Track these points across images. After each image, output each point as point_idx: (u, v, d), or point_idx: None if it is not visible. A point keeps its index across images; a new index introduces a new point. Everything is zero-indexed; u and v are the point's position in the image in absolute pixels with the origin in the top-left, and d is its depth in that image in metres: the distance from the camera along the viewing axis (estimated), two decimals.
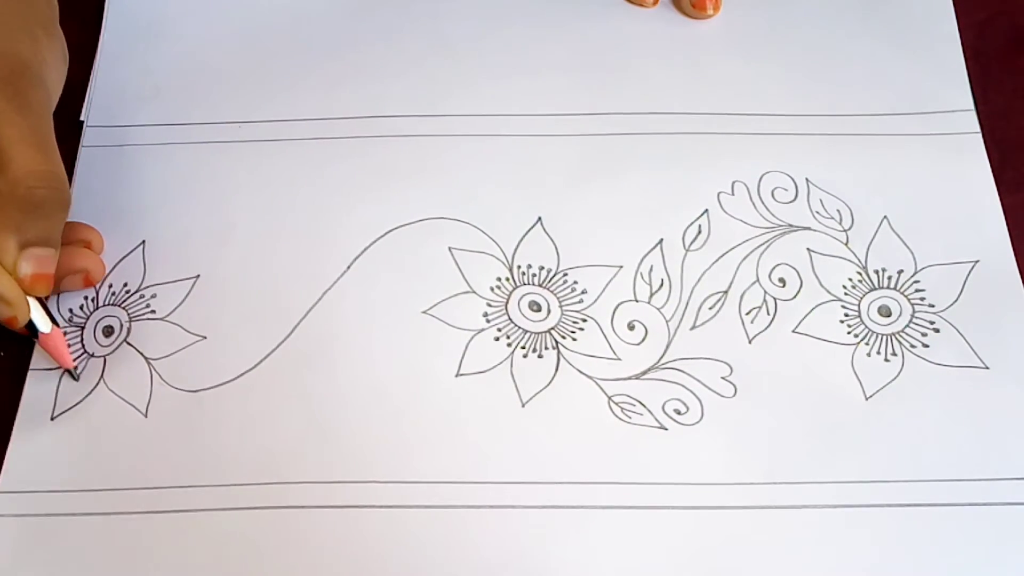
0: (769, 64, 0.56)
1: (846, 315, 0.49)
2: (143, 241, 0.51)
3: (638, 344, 0.48)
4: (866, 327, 0.49)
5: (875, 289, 0.50)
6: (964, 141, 0.53)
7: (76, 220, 0.49)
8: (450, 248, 0.51)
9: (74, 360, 0.48)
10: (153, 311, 0.49)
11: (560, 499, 0.45)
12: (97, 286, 0.50)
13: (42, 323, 0.46)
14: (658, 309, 0.49)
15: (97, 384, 0.47)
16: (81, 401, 0.47)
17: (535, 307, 0.49)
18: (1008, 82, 0.55)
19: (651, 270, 0.50)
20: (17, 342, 0.48)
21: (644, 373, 0.48)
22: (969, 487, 0.45)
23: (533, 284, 0.50)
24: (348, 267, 0.50)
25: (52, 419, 0.47)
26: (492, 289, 0.50)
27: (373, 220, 0.51)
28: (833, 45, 0.57)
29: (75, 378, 0.47)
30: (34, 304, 0.46)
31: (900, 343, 0.48)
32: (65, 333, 0.48)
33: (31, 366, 0.48)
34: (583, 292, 0.50)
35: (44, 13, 0.51)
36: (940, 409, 0.47)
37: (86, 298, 0.48)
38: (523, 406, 0.47)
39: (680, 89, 0.55)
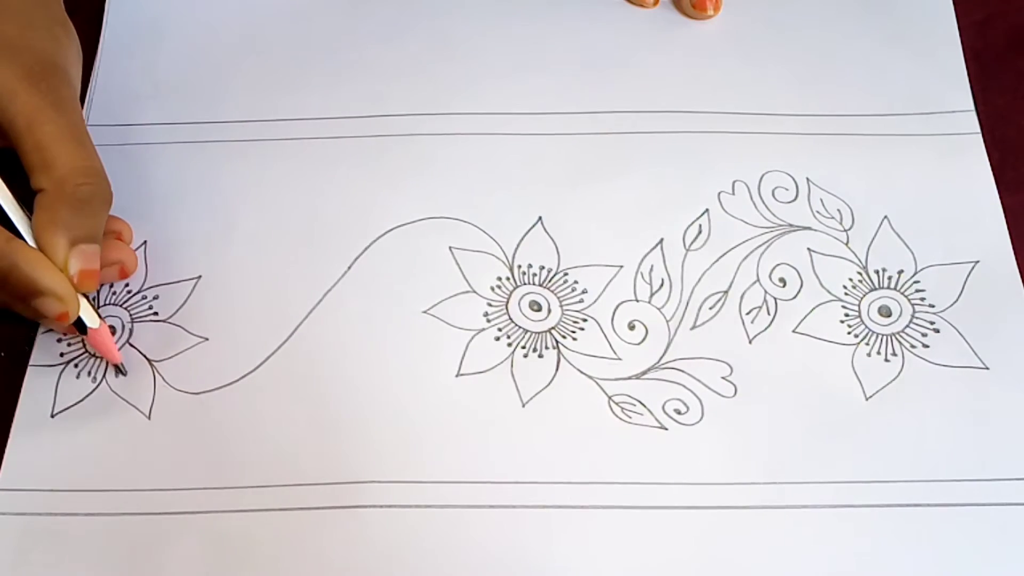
0: (769, 64, 0.56)
1: (846, 315, 0.49)
2: (144, 242, 0.51)
3: (638, 344, 0.48)
4: (866, 327, 0.49)
5: (875, 289, 0.50)
6: (964, 141, 0.53)
7: None
8: (450, 248, 0.51)
9: (74, 359, 0.48)
10: (155, 312, 0.49)
11: (560, 499, 0.45)
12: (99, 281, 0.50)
13: (90, 319, 0.46)
14: (658, 309, 0.49)
15: (99, 384, 0.47)
16: (82, 400, 0.47)
17: (535, 307, 0.49)
18: (1008, 82, 0.56)
19: (651, 270, 0.50)
20: (17, 338, 0.48)
21: (644, 373, 0.48)
22: (969, 487, 0.45)
23: (533, 284, 0.50)
24: (349, 267, 0.50)
25: (52, 416, 0.47)
26: (492, 289, 0.50)
27: (373, 220, 0.51)
28: (833, 45, 0.57)
29: (123, 372, 0.47)
30: (81, 300, 0.46)
31: (900, 343, 0.48)
32: (65, 333, 0.48)
33: (31, 362, 0.48)
34: (583, 292, 0.50)
35: (58, 12, 0.51)
36: (940, 409, 0.47)
37: (85, 296, 0.48)
38: (523, 406, 0.47)
39: (680, 89, 0.55)
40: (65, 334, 0.48)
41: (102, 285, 0.49)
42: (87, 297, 0.46)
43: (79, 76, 0.50)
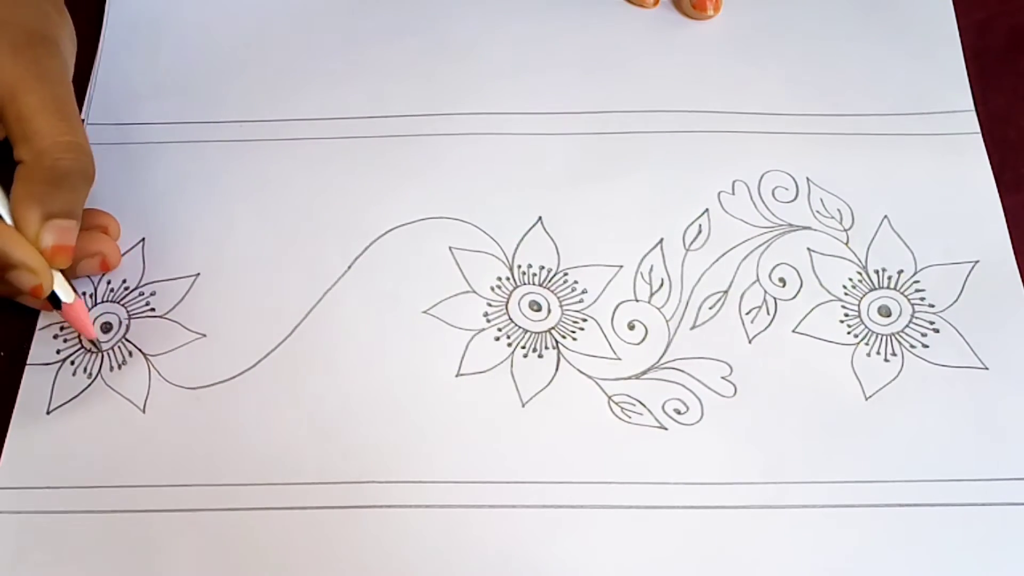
0: (769, 64, 0.56)
1: (846, 315, 0.49)
2: (143, 239, 0.51)
3: (638, 344, 0.48)
4: (866, 327, 0.49)
5: (875, 289, 0.50)
6: (964, 141, 0.53)
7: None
8: (450, 248, 0.51)
9: (71, 356, 0.48)
10: (153, 309, 0.49)
11: (560, 499, 0.45)
12: (105, 273, 0.50)
13: (64, 294, 0.46)
14: (658, 309, 0.49)
15: (94, 379, 0.47)
16: (77, 396, 0.47)
17: (535, 307, 0.49)
18: (1008, 82, 0.56)
19: (651, 270, 0.50)
20: (14, 336, 0.48)
21: (644, 373, 0.48)
22: (969, 487, 0.45)
23: (533, 284, 0.50)
24: (349, 267, 0.50)
25: (48, 413, 0.47)
26: (492, 289, 0.50)
27: (373, 220, 0.51)
28: (833, 45, 0.57)
29: (98, 349, 0.47)
30: (57, 275, 0.46)
31: (900, 343, 0.48)
32: (62, 328, 0.48)
33: (28, 360, 0.48)
34: (583, 292, 0.50)
35: None
36: (940, 409, 0.47)
37: (83, 293, 0.48)
38: (523, 406, 0.47)
39: (680, 89, 0.55)
40: (41, 309, 0.48)
41: (84, 276, 0.49)
42: (63, 273, 0.46)
43: (72, 53, 0.50)
